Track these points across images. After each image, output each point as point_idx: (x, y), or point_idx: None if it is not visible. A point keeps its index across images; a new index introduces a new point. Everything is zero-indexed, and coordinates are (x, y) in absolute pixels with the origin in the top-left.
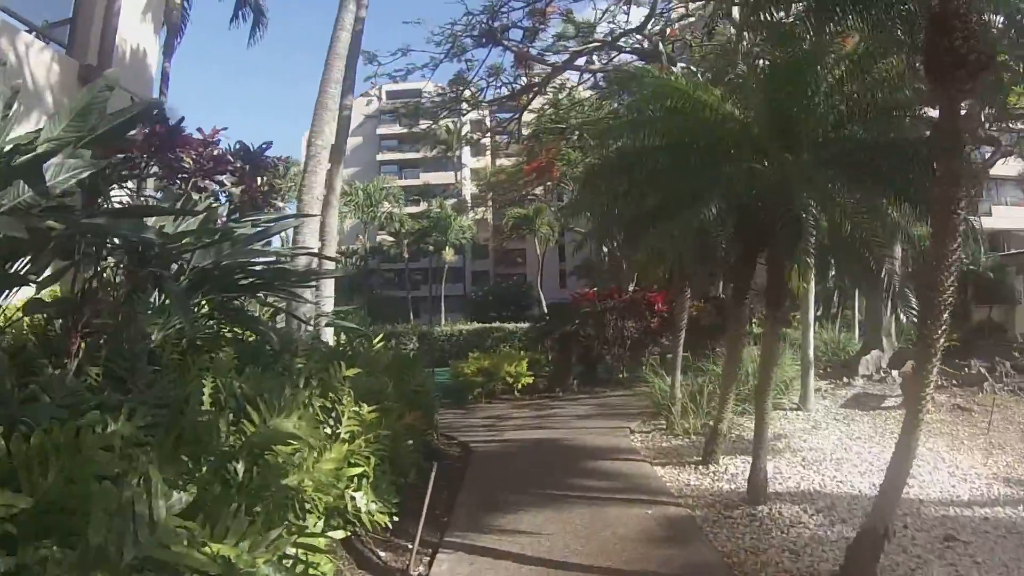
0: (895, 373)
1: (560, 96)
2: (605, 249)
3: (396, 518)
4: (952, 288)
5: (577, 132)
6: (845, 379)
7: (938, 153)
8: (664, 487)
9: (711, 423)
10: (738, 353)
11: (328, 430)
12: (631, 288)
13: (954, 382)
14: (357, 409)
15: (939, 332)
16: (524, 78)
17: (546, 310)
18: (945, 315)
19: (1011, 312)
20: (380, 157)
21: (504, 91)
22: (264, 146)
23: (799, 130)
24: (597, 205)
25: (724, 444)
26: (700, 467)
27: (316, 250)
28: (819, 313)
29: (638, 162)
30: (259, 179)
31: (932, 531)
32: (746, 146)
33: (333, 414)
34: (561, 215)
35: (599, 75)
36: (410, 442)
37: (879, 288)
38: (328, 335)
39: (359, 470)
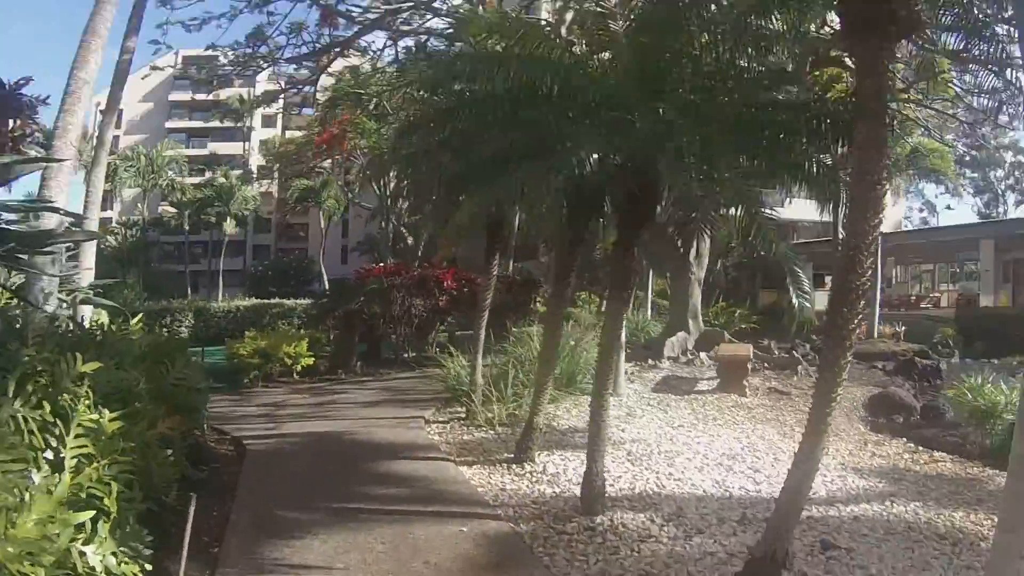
0: (703, 355)
1: (363, 62)
2: (394, 221)
3: (149, 566)
4: (870, 271)
5: (375, 100)
6: (651, 361)
7: (861, 115)
8: (476, 494)
9: (527, 415)
10: (557, 336)
11: (50, 454)
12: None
13: (766, 365)
14: (96, 418)
15: (854, 319)
16: (328, 38)
17: (327, 286)
18: (861, 301)
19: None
20: (169, 124)
21: (304, 50)
22: (20, 82)
23: (670, 85)
24: (413, 160)
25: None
26: (513, 466)
27: (59, 207)
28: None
29: (470, 109)
30: (12, 121)
31: (805, 538)
32: (605, 99)
33: (58, 430)
34: (367, 172)
35: (402, 47)
36: (169, 452)
37: (687, 267)
38: (88, 314)
39: (89, 514)
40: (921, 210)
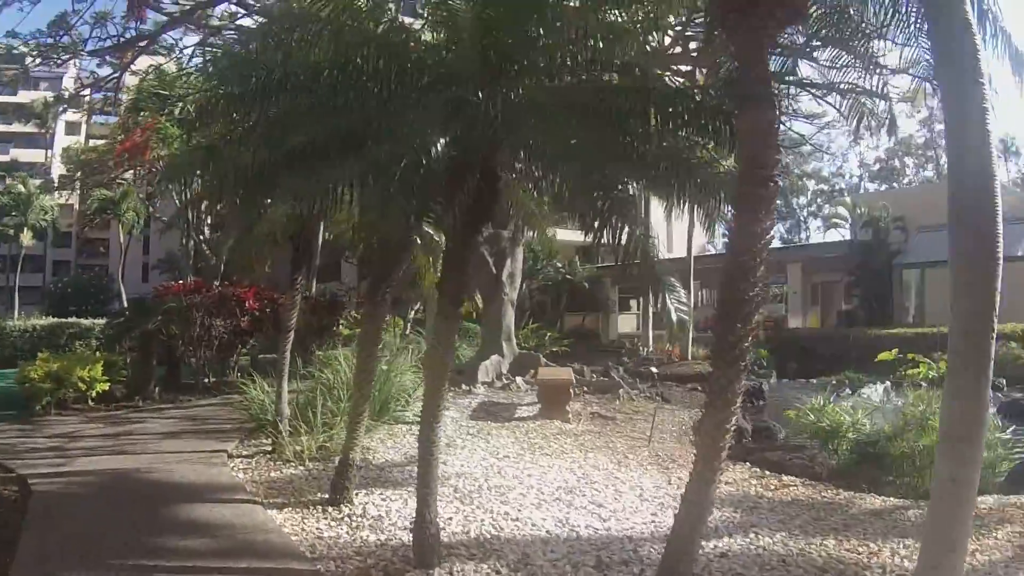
0: (520, 380)
1: (168, 61)
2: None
3: None
4: (762, 282)
5: (180, 104)
6: (464, 386)
7: (746, 102)
8: (291, 545)
9: (339, 448)
10: (373, 361)
11: None
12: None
13: (585, 389)
14: None
15: (748, 336)
16: (135, 30)
17: (126, 304)
18: (755, 315)
19: (604, 320)
20: None
21: (109, 43)
22: None
23: (518, 68)
24: (213, 153)
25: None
26: (330, 509)
27: None
28: (416, 314)
29: (280, 88)
30: None
31: None
32: (444, 78)
33: None
34: (159, 182)
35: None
36: None
37: (499, 287)
38: None
39: None
40: (724, 235)
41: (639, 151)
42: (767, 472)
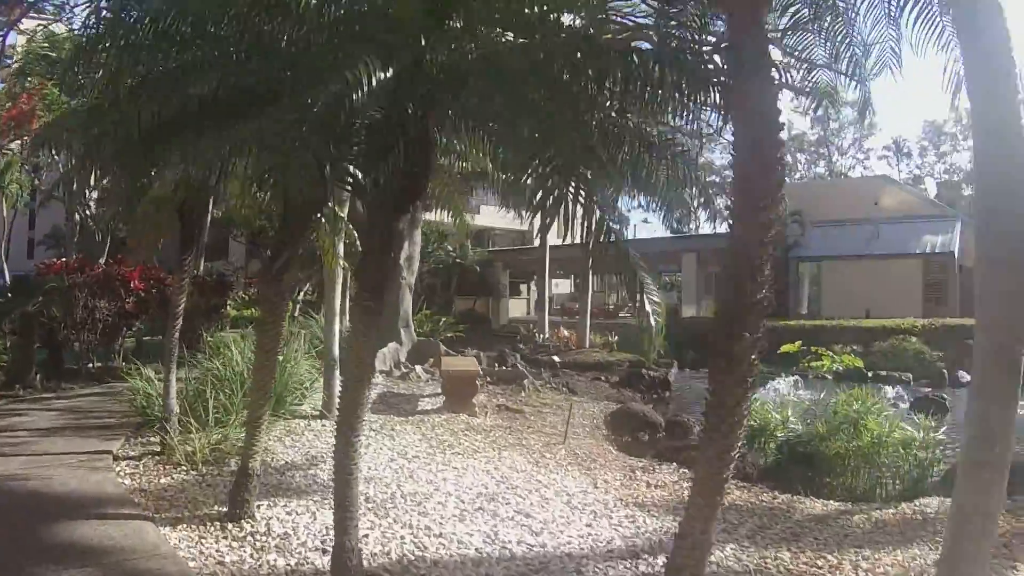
0: (420, 369)
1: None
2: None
3: None
4: (768, 284)
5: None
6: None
7: (741, 70)
8: (188, 573)
9: (235, 450)
10: (275, 353)
11: None
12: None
13: (489, 379)
14: None
15: (755, 347)
16: None
17: (8, 283)
18: (762, 320)
19: (496, 304)
20: None
21: None
22: None
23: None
24: (97, 112)
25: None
26: (229, 525)
27: None
28: (306, 295)
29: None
30: None
31: None
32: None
33: None
34: (32, 147)
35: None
36: None
37: (397, 271)
38: None
39: None
40: (615, 222)
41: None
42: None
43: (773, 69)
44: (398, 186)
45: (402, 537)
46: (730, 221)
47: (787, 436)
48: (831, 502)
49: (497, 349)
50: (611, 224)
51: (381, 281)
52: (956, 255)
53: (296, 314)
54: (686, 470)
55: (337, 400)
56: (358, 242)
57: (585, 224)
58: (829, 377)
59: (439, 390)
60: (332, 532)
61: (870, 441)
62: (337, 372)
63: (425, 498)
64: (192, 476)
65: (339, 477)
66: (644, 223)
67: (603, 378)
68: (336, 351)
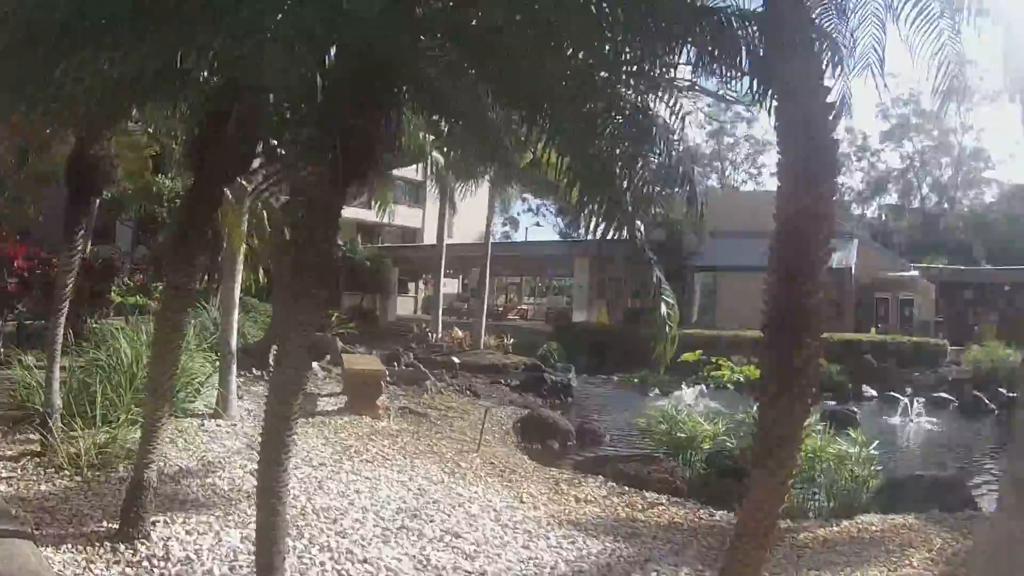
0: (316, 366)
1: None
2: None
3: None
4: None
5: None
6: (255, 371)
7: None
8: None
9: (124, 453)
10: (177, 346)
11: None
12: None
13: (389, 380)
14: None
15: (817, 356)
16: None
17: None
18: (821, 331)
19: (384, 302)
20: None
21: None
22: None
23: None
24: None
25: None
26: (122, 547)
27: None
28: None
29: None
30: None
31: None
32: None
33: None
34: None
35: None
36: None
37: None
38: None
39: None
40: (504, 224)
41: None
42: (627, 487)
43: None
44: (349, 162)
45: (322, 563)
46: (778, 211)
47: (713, 448)
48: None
49: (390, 348)
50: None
51: (326, 270)
52: (853, 271)
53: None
54: (613, 483)
55: (235, 399)
56: (267, 221)
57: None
58: (731, 387)
59: (338, 389)
60: (240, 555)
61: (805, 456)
62: (234, 367)
63: (340, 514)
64: (77, 483)
65: (263, 501)
66: (536, 227)
67: (503, 381)
68: (233, 344)
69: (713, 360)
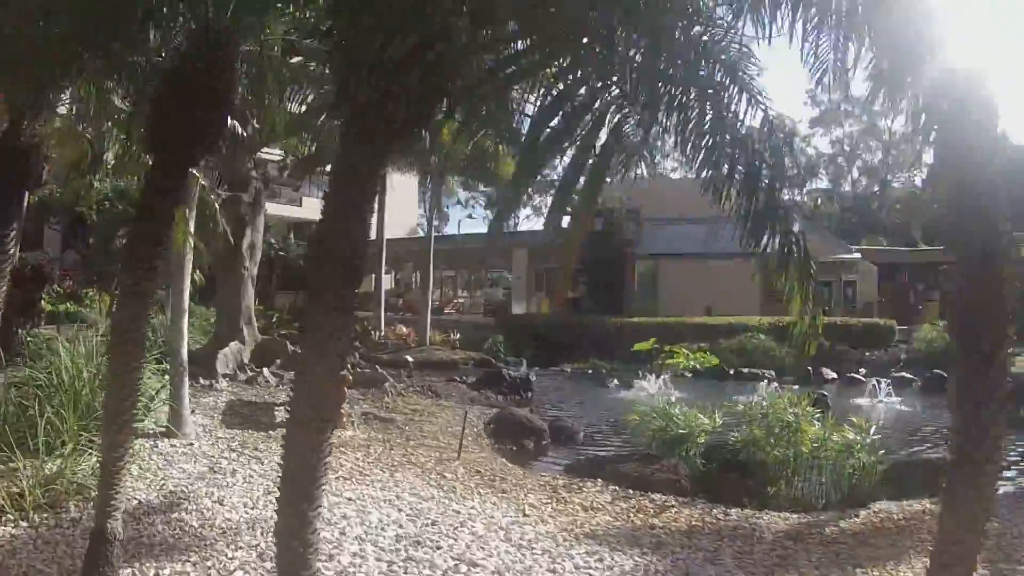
0: (267, 372)
1: None
2: None
3: None
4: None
5: None
6: (203, 380)
7: None
8: None
9: (78, 492)
10: (138, 364)
11: None
12: None
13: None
14: None
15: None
16: None
17: None
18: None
19: None
20: None
21: None
22: None
23: None
24: None
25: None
26: None
27: None
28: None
29: None
30: None
31: None
32: None
33: None
34: None
35: None
36: None
37: (238, 261)
38: None
39: None
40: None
41: None
42: (630, 490)
43: None
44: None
45: None
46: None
47: (710, 442)
48: (788, 515)
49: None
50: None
51: (355, 256)
52: None
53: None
54: (615, 487)
55: (189, 415)
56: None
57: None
58: (689, 375)
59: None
60: None
61: (811, 446)
62: (186, 380)
63: (335, 548)
64: (24, 530)
65: (286, 547)
66: (469, 219)
67: (458, 378)
68: (184, 354)
69: (667, 348)
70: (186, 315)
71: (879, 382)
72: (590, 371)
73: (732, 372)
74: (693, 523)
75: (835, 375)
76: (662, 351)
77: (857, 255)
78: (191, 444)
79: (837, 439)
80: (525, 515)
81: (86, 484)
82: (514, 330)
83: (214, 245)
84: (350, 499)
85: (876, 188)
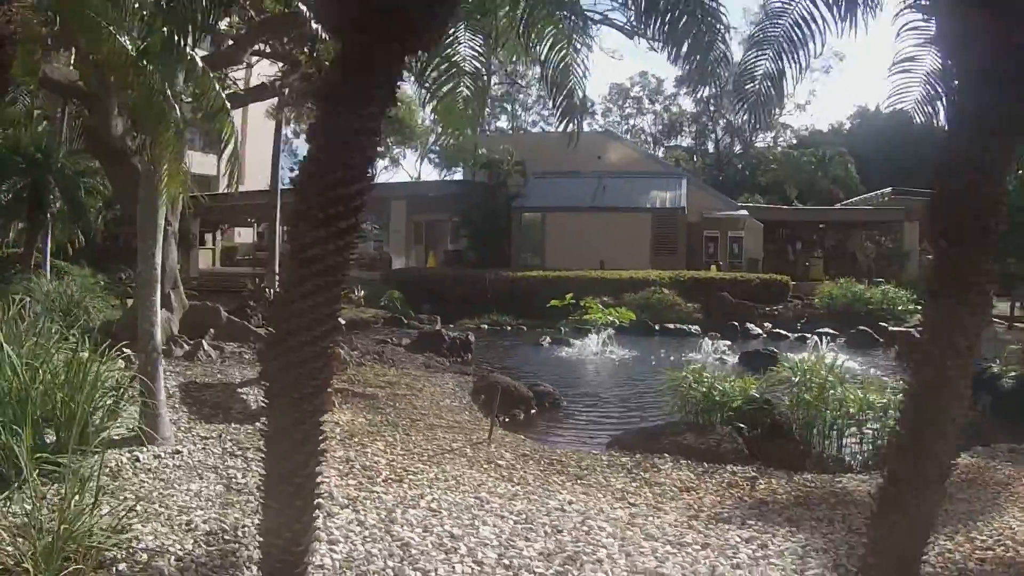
0: (205, 344)
1: None
2: None
3: None
4: None
5: None
6: (133, 356)
7: None
8: None
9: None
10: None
11: None
12: None
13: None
14: None
15: None
16: None
17: None
18: None
19: (187, 255)
20: None
21: None
22: None
23: None
24: None
25: None
26: None
27: None
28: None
29: None
30: None
31: None
32: None
33: None
34: None
35: None
36: None
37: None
38: None
39: None
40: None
41: None
42: (706, 463)
43: None
44: None
45: None
46: None
47: (745, 407)
48: (859, 476)
49: (230, 305)
50: None
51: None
52: (685, 210)
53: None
54: (686, 461)
55: (166, 414)
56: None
57: None
58: (612, 331)
59: (254, 374)
60: None
61: (858, 408)
62: (161, 369)
63: None
64: None
65: None
66: None
67: (391, 340)
68: (159, 336)
69: (582, 304)
70: (158, 285)
71: (821, 337)
72: (509, 328)
73: (657, 328)
74: (798, 494)
75: (762, 332)
76: (579, 307)
77: (744, 212)
78: (178, 451)
79: (877, 398)
80: (632, 504)
81: (70, 528)
82: (405, 285)
83: (130, 199)
84: (434, 509)
85: (738, 148)
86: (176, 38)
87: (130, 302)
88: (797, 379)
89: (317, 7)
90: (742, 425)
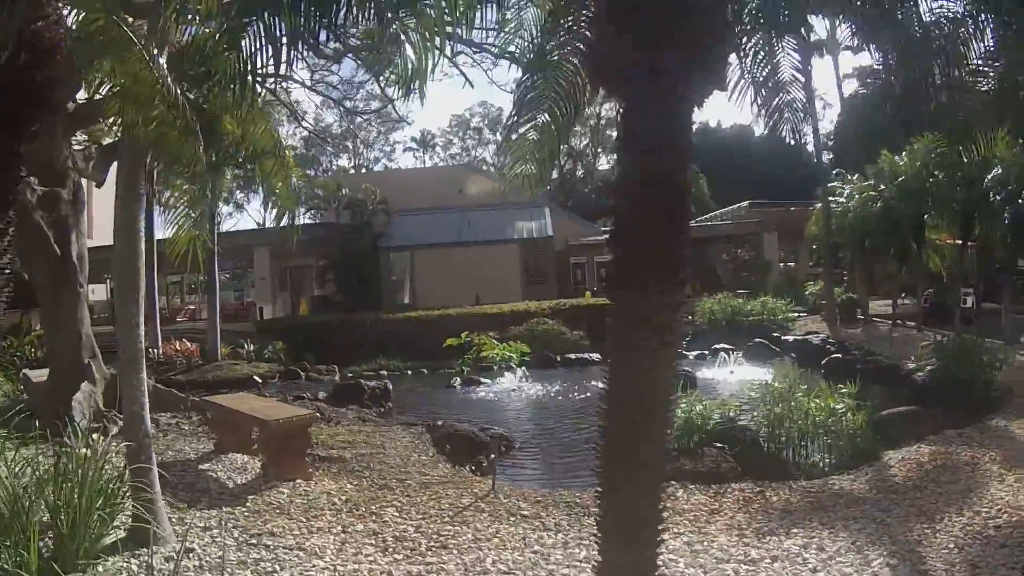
0: (149, 423)
1: None
2: None
3: None
4: None
5: None
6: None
7: None
8: None
9: None
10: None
11: None
12: None
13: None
14: None
15: None
16: None
17: None
18: None
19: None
20: None
21: None
22: None
23: None
24: None
25: None
26: None
27: None
28: None
29: None
30: None
31: None
32: None
33: None
34: None
35: None
36: None
37: (69, 275)
38: None
39: None
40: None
41: None
42: (712, 485)
43: None
44: None
45: None
46: None
47: (720, 427)
48: (839, 475)
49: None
50: None
51: None
52: (553, 238)
53: None
54: (694, 486)
55: (163, 508)
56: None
57: None
58: (515, 366)
59: (204, 444)
60: None
61: (824, 419)
62: (154, 455)
63: None
64: None
65: None
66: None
67: (306, 396)
68: (148, 418)
69: (476, 341)
70: (143, 361)
71: (729, 353)
72: (409, 372)
73: (559, 359)
74: (806, 499)
75: None
76: (474, 345)
77: (607, 236)
78: (190, 549)
79: (839, 407)
80: (679, 534)
81: None
82: (283, 335)
83: (37, 259)
84: (504, 572)
85: (580, 172)
86: None
87: (27, 372)
88: (756, 395)
89: None
90: (722, 444)
